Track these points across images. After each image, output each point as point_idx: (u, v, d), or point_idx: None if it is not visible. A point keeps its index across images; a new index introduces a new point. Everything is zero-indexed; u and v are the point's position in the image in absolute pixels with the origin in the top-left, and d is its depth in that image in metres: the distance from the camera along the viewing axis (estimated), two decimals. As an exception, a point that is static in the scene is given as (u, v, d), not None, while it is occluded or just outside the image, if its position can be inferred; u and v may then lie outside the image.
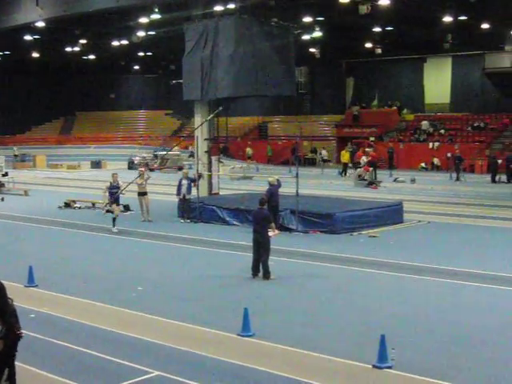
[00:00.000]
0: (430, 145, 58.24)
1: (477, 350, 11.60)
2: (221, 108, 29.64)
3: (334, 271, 18.10)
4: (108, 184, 25.70)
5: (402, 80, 67.18)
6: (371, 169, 43.26)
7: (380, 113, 66.27)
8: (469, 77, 63.98)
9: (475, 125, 60.31)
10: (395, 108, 66.07)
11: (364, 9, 42.19)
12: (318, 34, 53.84)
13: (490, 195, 37.08)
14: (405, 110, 66.29)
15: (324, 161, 60.16)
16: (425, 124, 61.89)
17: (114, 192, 25.12)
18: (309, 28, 51.92)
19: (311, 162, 63.56)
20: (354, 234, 23.67)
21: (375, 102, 69.10)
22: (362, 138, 60.87)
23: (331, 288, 16.24)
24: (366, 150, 47.88)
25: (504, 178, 44.22)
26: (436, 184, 43.29)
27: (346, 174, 48.83)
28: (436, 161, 55.84)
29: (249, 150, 63.79)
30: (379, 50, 61.45)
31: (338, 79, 71.04)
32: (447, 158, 50.94)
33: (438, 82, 66.03)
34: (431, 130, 61.21)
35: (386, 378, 10.35)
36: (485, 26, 52.56)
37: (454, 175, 46.29)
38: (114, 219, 24.58)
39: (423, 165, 56.01)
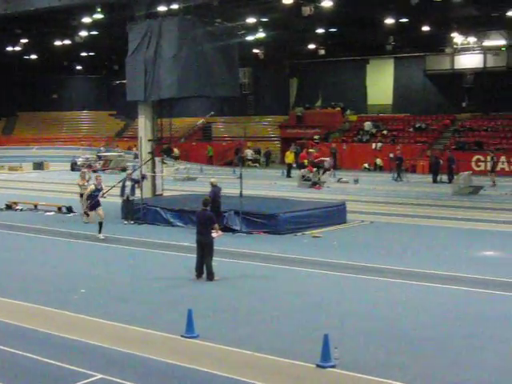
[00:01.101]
0: (373, 145, 58.86)
1: (416, 347, 11.75)
2: (212, 113, 29.61)
3: (277, 271, 18.16)
4: (92, 187, 24.26)
5: (345, 81, 67.68)
6: (315, 169, 43.48)
7: (323, 114, 66.72)
8: (410, 78, 64.83)
9: (417, 126, 61.13)
10: (339, 109, 66.58)
11: (307, 10, 42.40)
12: (261, 35, 53.99)
13: (432, 195, 37.60)
14: (348, 111, 66.85)
15: (249, 160, 60.21)
16: (368, 125, 62.49)
17: (96, 195, 23.93)
18: (252, 29, 51.99)
19: (255, 163, 63.65)
20: (298, 234, 23.77)
21: (319, 103, 69.56)
22: (305, 138, 61.23)
23: (275, 288, 16.28)
24: (310, 150, 48.13)
25: (445, 178, 44.86)
26: (379, 184, 43.74)
27: (290, 175, 49.01)
28: (379, 161, 56.47)
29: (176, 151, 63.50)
30: (322, 51, 61.91)
31: (281, 80, 71.33)
32: (390, 159, 51.50)
33: (380, 83, 66.76)
34: (374, 130, 61.85)
35: (329, 377, 10.41)
36: (426, 28, 53.34)
37: (402, 175, 46.87)
38: (100, 224, 23.22)
39: (366, 165, 56.58)
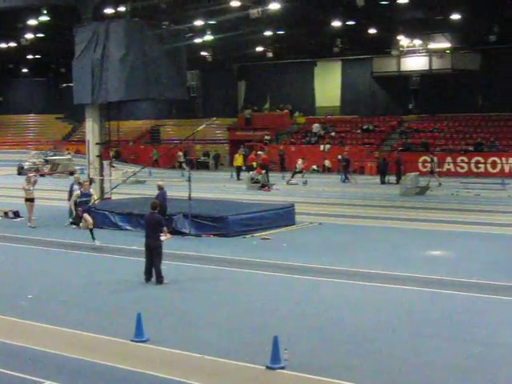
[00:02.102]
0: (322, 147, 59.21)
1: (364, 347, 11.87)
2: (214, 119, 29.20)
3: (226, 274, 18.18)
4: (78, 192, 23.46)
5: (294, 83, 67.93)
6: (264, 171, 43.60)
7: (272, 116, 66.95)
8: (358, 80, 65.35)
9: (364, 127, 61.67)
10: (287, 111, 66.84)
11: (255, 13, 42.51)
12: (209, 37, 53.94)
13: (380, 196, 37.99)
14: (296, 113, 67.14)
15: (180, 163, 60.04)
16: (316, 127, 62.85)
17: (84, 201, 23.08)
18: (200, 32, 51.95)
19: (204, 166, 63.62)
20: (247, 236, 23.80)
21: (267, 105, 69.75)
22: (254, 141, 61.36)
23: (224, 291, 16.31)
24: (258, 153, 48.28)
25: (393, 179, 45.33)
26: (327, 186, 44.02)
27: (239, 177, 49.04)
28: (327, 163, 56.83)
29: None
30: (270, 54, 62.10)
31: (229, 83, 71.37)
32: (338, 160, 51.87)
33: (328, 85, 67.19)
34: (322, 132, 62.24)
35: (279, 378, 10.47)
36: (372, 30, 53.84)
37: (349, 177, 47.26)
38: (91, 231, 22.27)
39: (315, 167, 56.88)
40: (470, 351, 11.61)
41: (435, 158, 46.88)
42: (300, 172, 46.50)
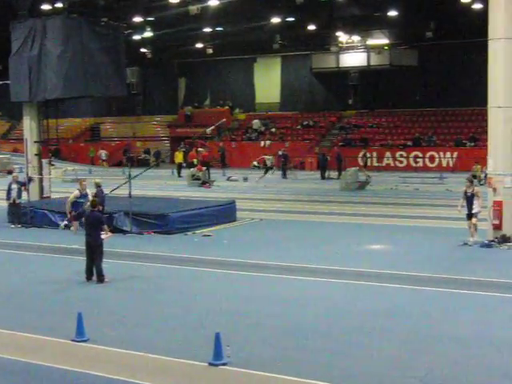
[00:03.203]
0: (262, 143, 59.39)
1: (305, 341, 11.96)
2: (224, 120, 28.26)
3: (168, 271, 18.15)
4: (77, 193, 22.37)
5: (234, 80, 68.02)
6: (204, 168, 43.57)
7: (212, 112, 66.82)
8: (297, 76, 65.68)
9: (304, 123, 62.03)
10: (227, 107, 66.85)
11: (194, 9, 42.48)
12: (149, 34, 53.72)
13: (320, 191, 38.29)
14: (237, 110, 67.24)
15: (104, 160, 59.63)
16: (256, 123, 63.00)
17: (82, 202, 21.84)
18: (140, 28, 51.70)
19: (145, 163, 63.24)
20: (189, 233, 23.79)
21: (207, 102, 69.68)
22: (194, 137, 61.19)
23: (166, 288, 16.27)
24: (199, 149, 48.20)
25: (333, 174, 45.71)
26: (268, 182, 44.15)
27: (180, 174, 48.88)
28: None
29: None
30: (210, 50, 62.05)
31: (170, 79, 71.10)
32: (278, 156, 52.08)
33: (268, 81, 67.38)
34: (263, 128, 62.41)
35: (221, 374, 10.49)
36: (311, 27, 54.20)
37: (287, 173, 47.49)
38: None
39: (255, 163, 56.98)
40: (411, 344, 11.78)
41: (367, 153, 47.43)
42: (271, 168, 46.40)
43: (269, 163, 46.14)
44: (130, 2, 42.68)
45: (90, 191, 22.68)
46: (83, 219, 18.34)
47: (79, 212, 20.32)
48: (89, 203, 19.68)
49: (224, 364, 10.68)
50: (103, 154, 60.68)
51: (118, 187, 24.28)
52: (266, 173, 45.55)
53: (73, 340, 11.99)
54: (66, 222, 23.71)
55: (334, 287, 16.10)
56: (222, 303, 14.74)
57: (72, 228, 22.49)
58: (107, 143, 67.53)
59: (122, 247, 20.87)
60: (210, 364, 10.70)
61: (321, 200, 33.91)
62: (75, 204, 21.86)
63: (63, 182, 43.01)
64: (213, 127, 27.95)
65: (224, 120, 35.33)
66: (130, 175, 24.75)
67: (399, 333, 12.41)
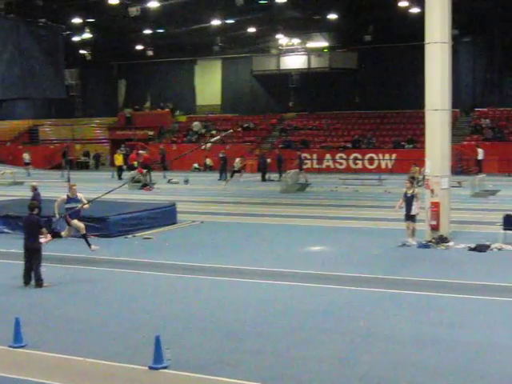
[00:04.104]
0: (203, 146, 59.26)
1: (246, 344, 11.99)
2: (231, 130, 27.48)
3: (108, 275, 17.99)
4: (65, 197, 20.88)
5: (174, 82, 67.88)
6: (145, 171, 43.34)
7: (153, 115, 66.69)
8: (238, 79, 65.86)
9: (245, 125, 62.15)
10: (168, 110, 66.67)
11: (134, 11, 42.27)
12: (88, 35, 53.26)
13: (261, 193, 38.39)
14: (177, 112, 67.10)
15: (26, 164, 58.17)
16: (196, 125, 62.95)
17: (73, 207, 20.54)
18: (79, 29, 51.24)
19: (84, 166, 62.73)
20: (129, 236, 23.63)
21: (148, 104, 69.38)
22: (135, 140, 60.93)
23: (106, 292, 16.14)
24: (139, 152, 47.95)
25: (274, 176, 45.89)
26: (209, 184, 44.15)
27: (121, 177, 48.49)
28: (208, 161, 56.99)
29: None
30: (151, 52, 61.85)
31: (109, 81, 70.70)
32: (219, 159, 52.13)
33: (208, 83, 67.43)
34: (203, 130, 62.37)
35: (162, 378, 10.45)
36: (252, 29, 54.37)
37: (227, 175, 47.48)
38: (84, 237, 20.39)
39: (196, 165, 56.96)
40: (350, 343, 11.90)
41: (302, 156, 47.80)
42: (238, 171, 46.21)
43: (236, 167, 46.12)
44: (69, 2, 42.29)
45: (81, 194, 21.53)
46: (22, 223, 18.07)
47: (71, 215, 20.15)
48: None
49: (164, 367, 10.64)
50: (27, 157, 58.91)
51: (110, 191, 23.73)
52: (232, 176, 45.48)
53: (10, 346, 11.80)
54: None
55: (274, 289, 16.16)
56: (163, 306, 14.68)
57: (63, 233, 21.18)
58: (45, 146, 66.72)
59: (62, 251, 20.62)
60: (151, 368, 10.65)
61: (261, 202, 34.02)
62: (69, 209, 20.51)
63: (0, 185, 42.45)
64: (218, 137, 27.43)
65: (231, 130, 35.05)
66: (69, 178, 24.49)
67: (339, 333, 12.52)
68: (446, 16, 21.53)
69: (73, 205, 20.55)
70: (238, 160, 46.94)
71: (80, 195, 21.00)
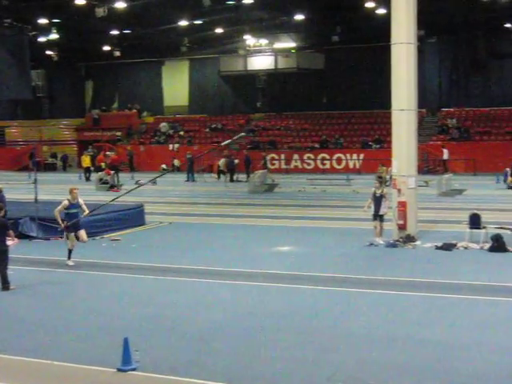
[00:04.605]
0: (170, 146, 59.26)
1: (215, 345, 11.96)
2: (243, 134, 26.78)
3: (76, 277, 17.86)
4: (66, 202, 19.14)
5: (142, 83, 67.70)
6: (113, 172, 43.15)
7: (121, 116, 66.43)
8: (206, 79, 65.82)
9: (213, 126, 62.11)
10: (135, 111, 66.45)
11: (101, 11, 42.07)
12: (54, 36, 52.89)
13: (229, 194, 38.39)
14: (145, 113, 66.92)
15: None
16: (164, 126, 62.81)
17: (73, 213, 19.13)
18: (45, 30, 50.87)
19: (52, 167, 62.31)
20: (97, 238, 23.50)
21: (115, 105, 69.12)
22: (102, 141, 60.66)
23: (73, 294, 16.03)
24: (107, 153, 47.75)
25: (242, 176, 45.91)
26: (177, 185, 44.05)
27: (89, 178, 48.23)
28: (176, 162, 56.82)
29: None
30: (118, 53, 61.57)
31: (76, 82, 70.32)
32: (186, 160, 52.10)
33: (176, 84, 67.29)
34: (171, 131, 62.23)
35: (130, 380, 10.40)
36: (219, 30, 54.33)
37: (195, 176, 47.52)
38: (69, 251, 18.99)
39: (164, 166, 56.80)
40: (317, 343, 11.94)
41: (267, 156, 47.92)
42: (223, 172, 45.90)
43: (222, 166, 45.91)
44: (35, 3, 41.97)
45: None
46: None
47: (73, 223, 18.93)
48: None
49: (133, 369, 10.60)
50: None
51: (119, 196, 23.46)
52: (219, 177, 45.28)
53: (-24, 349, 11.71)
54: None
55: (242, 289, 16.17)
56: (131, 308, 14.63)
57: (69, 246, 19.29)
58: (12, 147, 66.19)
59: (29, 253, 20.49)
60: (119, 370, 10.60)
61: (230, 203, 34.02)
62: (69, 215, 19.15)
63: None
64: (230, 141, 27.22)
65: (243, 134, 34.67)
66: (35, 180, 24.30)
67: (306, 332, 12.55)
68: (412, 17, 21.71)
69: (73, 211, 19.08)
70: (222, 160, 46.98)
71: (81, 200, 19.47)
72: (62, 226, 19.08)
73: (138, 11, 46.28)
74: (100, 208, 22.57)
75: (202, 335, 12.54)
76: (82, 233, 19.16)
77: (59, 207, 19.23)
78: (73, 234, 19.05)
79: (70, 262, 18.86)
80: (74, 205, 19.13)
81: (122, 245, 22.56)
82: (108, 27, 52.50)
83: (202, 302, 15.04)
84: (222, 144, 30.52)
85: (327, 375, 10.39)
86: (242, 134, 29.44)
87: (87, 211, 19.49)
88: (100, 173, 43.57)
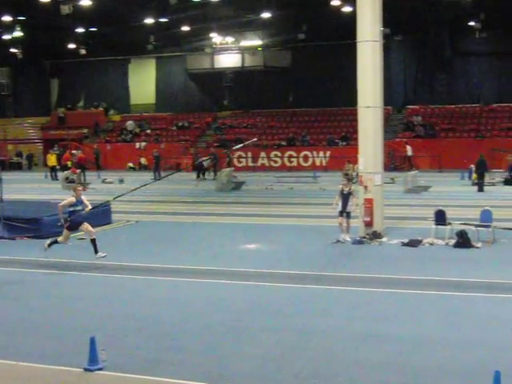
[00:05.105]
0: (137, 145, 59.04)
1: (183, 342, 11.94)
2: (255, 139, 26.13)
3: (40, 276, 17.73)
4: (73, 199, 18.79)
5: (108, 81, 67.36)
6: (79, 171, 42.90)
7: (87, 114, 66.05)
8: (172, 77, 65.64)
9: (180, 124, 61.97)
10: (102, 109, 66.10)
11: (66, 9, 41.80)
12: (19, 33, 52.46)
13: (196, 192, 38.32)
14: (111, 111, 66.57)
15: None
16: (130, 124, 62.56)
17: (78, 210, 18.70)
18: (9, 27, 50.45)
19: (17, 166, 61.81)
20: (63, 237, 23.32)
21: (81, 103, 68.68)
22: (68, 139, 60.25)
23: (40, 294, 15.92)
24: (73, 152, 47.45)
25: (208, 175, 45.87)
26: (143, 183, 43.76)
27: (55, 177, 47.86)
28: (143, 160, 56.70)
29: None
30: (84, 51, 61.18)
31: (41, 80, 69.72)
32: (153, 158, 51.96)
33: (142, 82, 67.04)
34: (138, 130, 61.98)
35: (97, 380, 10.36)
36: (186, 28, 54.23)
37: (162, 174, 47.33)
38: (93, 241, 18.59)
39: (131, 164, 56.61)
40: (286, 341, 11.97)
41: (231, 155, 47.99)
42: (207, 170, 45.69)
43: (206, 164, 45.77)
44: (-1, 0, 41.63)
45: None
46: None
47: (74, 220, 18.56)
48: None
49: (100, 369, 10.56)
50: None
51: (122, 195, 23.18)
52: (203, 175, 45.12)
53: None
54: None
55: (209, 287, 16.15)
56: (97, 307, 14.55)
57: (60, 239, 19.19)
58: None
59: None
60: (86, 369, 10.55)
61: (196, 201, 33.96)
62: (71, 212, 18.85)
63: None
64: (242, 145, 26.70)
65: (255, 139, 34.27)
66: (0, 179, 24.05)
67: (274, 330, 12.57)
68: (377, 15, 21.82)
69: (78, 208, 18.75)
70: (206, 159, 46.85)
71: (83, 198, 19.22)
72: (63, 222, 18.90)
73: (103, 9, 46.05)
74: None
75: (170, 333, 12.52)
76: (86, 226, 18.72)
77: (64, 202, 18.91)
78: (70, 232, 18.79)
79: (102, 254, 18.47)
80: (77, 202, 18.82)
81: (87, 244, 22.32)
82: (73, 25, 52.15)
83: (169, 300, 15.01)
84: (234, 148, 30.33)
85: (294, 372, 10.42)
86: (254, 139, 29.29)
87: (89, 207, 19.13)
88: (66, 171, 43.28)
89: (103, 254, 18.50)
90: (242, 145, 25.72)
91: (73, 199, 18.82)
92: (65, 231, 18.88)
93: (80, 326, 13.06)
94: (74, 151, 48.10)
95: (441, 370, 10.42)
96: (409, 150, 49.76)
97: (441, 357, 10.99)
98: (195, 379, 10.19)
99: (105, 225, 25.72)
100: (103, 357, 10.69)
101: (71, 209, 18.76)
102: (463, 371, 10.40)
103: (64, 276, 17.77)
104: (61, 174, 45.29)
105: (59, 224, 19.60)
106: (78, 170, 42.72)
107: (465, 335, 12.13)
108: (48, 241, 19.05)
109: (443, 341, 11.79)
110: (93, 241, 18.57)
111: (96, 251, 18.53)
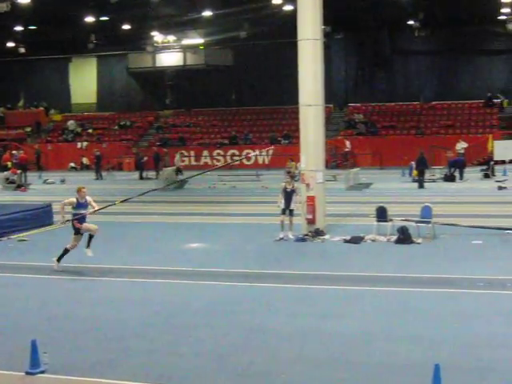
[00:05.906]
0: (79, 144, 58.50)
1: (129, 344, 11.88)
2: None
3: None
4: (74, 200, 18.08)
5: (49, 80, 66.53)
6: (20, 171, 42.35)
7: (27, 114, 65.14)
8: (114, 76, 65.23)
9: (121, 123, 61.55)
10: (42, 108, 65.29)
11: (4, 7, 41.20)
12: (-45, 32, 51.51)
13: (138, 191, 37.98)
14: (52, 111, 65.82)
15: None
16: (71, 124, 61.93)
17: (81, 214, 18.05)
18: None
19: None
20: (3, 239, 23.00)
21: (21, 103, 67.69)
22: (8, 140, 59.40)
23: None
24: (13, 152, 46.81)
25: (151, 174, 45.69)
26: (85, 183, 43.28)
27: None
28: (85, 160, 56.17)
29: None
30: (23, 50, 60.34)
31: (-21, 79, 68.50)
32: (94, 158, 51.55)
33: (84, 81, 66.48)
34: (79, 129, 61.39)
35: (39, 383, 10.26)
36: (127, 26, 53.90)
37: (104, 174, 47.07)
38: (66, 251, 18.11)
39: (73, 164, 56.05)
40: (229, 339, 12.00)
41: (167, 154, 47.89)
42: (179, 170, 45.15)
43: (177, 164, 45.33)
44: None
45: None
46: None
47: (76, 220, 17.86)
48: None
49: (42, 372, 10.44)
50: None
51: (129, 198, 22.60)
52: (177, 174, 44.73)
53: None
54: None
55: (153, 287, 16.10)
56: (39, 310, 14.39)
57: (69, 246, 18.21)
58: None
59: None
60: (27, 373, 10.43)
61: (140, 200, 33.68)
62: (75, 214, 18.09)
63: None
64: (258, 152, 25.75)
65: (272, 147, 33.78)
66: None
67: (218, 328, 12.60)
68: (318, 13, 21.96)
69: (81, 211, 18.02)
70: (177, 157, 46.50)
71: (89, 199, 18.42)
72: (64, 220, 18.43)
73: (43, 7, 45.48)
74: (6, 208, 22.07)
75: (114, 334, 12.45)
76: (88, 225, 18.20)
77: (66, 201, 18.28)
78: (79, 235, 18.19)
79: (55, 266, 17.94)
80: (81, 204, 18.09)
81: (29, 245, 22.14)
82: (12, 23, 51.45)
83: (113, 300, 14.93)
84: (250, 155, 29.90)
85: (238, 370, 10.46)
86: (272, 147, 29.07)
87: (96, 208, 18.53)
88: (6, 172, 42.70)
89: (90, 254, 18.00)
90: (257, 152, 25.25)
91: (74, 200, 18.20)
92: (73, 236, 18.19)
93: (20, 328, 12.91)
94: (14, 151, 47.44)
95: (383, 365, 10.56)
96: (347, 144, 50.52)
97: (383, 352, 11.13)
98: (137, 380, 10.16)
99: (47, 226, 25.41)
100: (45, 359, 10.59)
101: (74, 212, 18.11)
102: (405, 365, 10.55)
103: (3, 278, 17.48)
104: (1, 175, 44.63)
105: (60, 223, 19.41)
106: (19, 171, 42.16)
107: (406, 330, 12.30)
108: (54, 258, 18.15)
109: (385, 336, 11.95)
110: (91, 237, 18.12)
111: (88, 246, 18.09)
